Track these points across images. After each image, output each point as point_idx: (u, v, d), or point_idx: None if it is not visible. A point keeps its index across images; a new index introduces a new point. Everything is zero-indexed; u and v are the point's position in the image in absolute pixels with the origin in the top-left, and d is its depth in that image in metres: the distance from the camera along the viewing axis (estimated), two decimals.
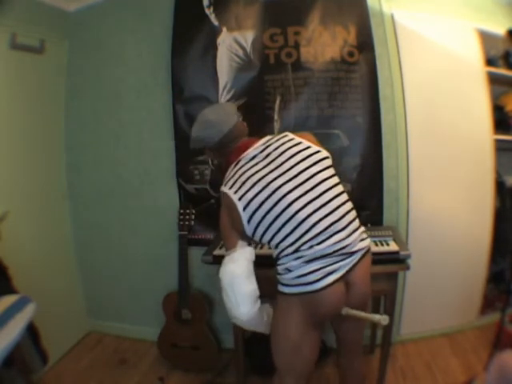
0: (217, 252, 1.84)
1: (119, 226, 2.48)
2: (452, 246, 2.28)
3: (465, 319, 2.41)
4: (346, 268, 1.22)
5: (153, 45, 2.24)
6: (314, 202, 1.20)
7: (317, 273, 1.18)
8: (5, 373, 1.70)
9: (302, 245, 1.19)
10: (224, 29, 2.12)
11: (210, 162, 2.21)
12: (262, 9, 2.09)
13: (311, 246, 1.18)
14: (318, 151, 1.27)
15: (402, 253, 1.70)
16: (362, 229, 1.31)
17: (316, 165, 1.24)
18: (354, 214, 1.28)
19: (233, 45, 2.12)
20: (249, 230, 1.25)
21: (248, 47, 2.11)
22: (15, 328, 1.38)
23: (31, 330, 1.88)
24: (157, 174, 2.35)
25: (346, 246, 1.21)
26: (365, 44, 2.07)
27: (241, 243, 1.28)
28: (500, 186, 2.32)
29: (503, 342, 1.90)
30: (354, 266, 1.24)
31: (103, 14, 2.30)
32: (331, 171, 1.28)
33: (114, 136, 2.37)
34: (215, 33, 2.13)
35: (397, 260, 1.70)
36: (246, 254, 1.26)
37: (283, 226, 1.20)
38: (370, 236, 1.84)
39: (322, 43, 2.07)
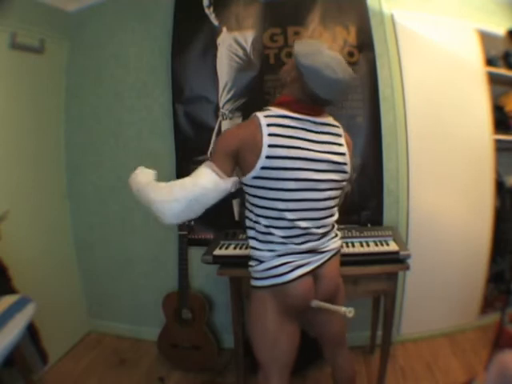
0: (217, 252, 1.84)
1: (119, 226, 2.48)
2: (452, 246, 2.28)
3: (465, 319, 2.41)
4: (316, 264, 1.27)
5: (153, 45, 2.24)
6: (312, 204, 1.22)
7: (286, 265, 1.23)
8: (5, 373, 1.71)
9: (285, 237, 1.21)
10: (224, 29, 2.12)
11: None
12: (261, 9, 2.10)
13: (285, 243, 1.22)
14: (347, 164, 1.28)
15: (402, 253, 1.70)
16: (336, 231, 1.37)
17: (337, 173, 1.25)
18: (334, 218, 1.32)
19: (233, 45, 2.13)
20: (252, 174, 1.16)
21: (248, 47, 2.11)
22: (15, 328, 1.39)
23: (31, 330, 1.89)
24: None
25: (317, 248, 1.27)
26: (365, 44, 2.08)
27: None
28: (500, 185, 2.32)
29: (503, 342, 1.89)
30: (324, 263, 1.29)
31: (103, 13, 2.30)
32: (341, 185, 1.29)
33: (114, 136, 2.37)
34: (215, 33, 2.13)
35: (397, 260, 1.71)
36: (234, 186, 1.19)
37: (275, 200, 1.19)
38: (370, 236, 1.88)
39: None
